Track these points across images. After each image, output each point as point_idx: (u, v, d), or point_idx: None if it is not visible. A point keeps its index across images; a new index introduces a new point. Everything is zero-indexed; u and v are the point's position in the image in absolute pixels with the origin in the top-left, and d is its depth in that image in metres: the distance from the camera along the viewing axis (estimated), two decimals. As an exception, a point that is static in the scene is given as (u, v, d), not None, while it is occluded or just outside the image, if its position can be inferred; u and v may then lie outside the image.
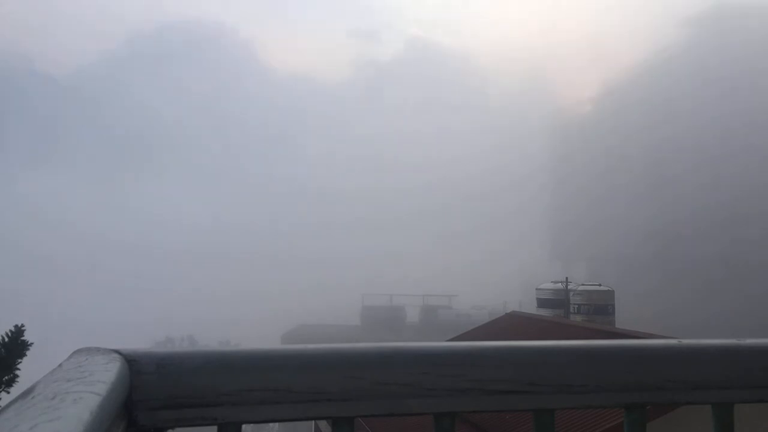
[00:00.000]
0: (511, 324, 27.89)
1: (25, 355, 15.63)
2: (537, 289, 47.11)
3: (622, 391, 1.31)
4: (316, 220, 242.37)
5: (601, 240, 55.89)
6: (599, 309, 38.09)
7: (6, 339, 15.21)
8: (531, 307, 50.16)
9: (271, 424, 27.34)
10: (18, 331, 15.50)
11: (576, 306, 38.57)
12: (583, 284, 43.44)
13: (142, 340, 42.75)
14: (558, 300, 41.03)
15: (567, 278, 48.95)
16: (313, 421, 21.47)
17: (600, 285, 43.54)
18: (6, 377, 15.05)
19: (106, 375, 0.97)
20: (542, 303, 42.49)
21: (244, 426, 1.18)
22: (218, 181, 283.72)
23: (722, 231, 56.83)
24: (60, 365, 0.99)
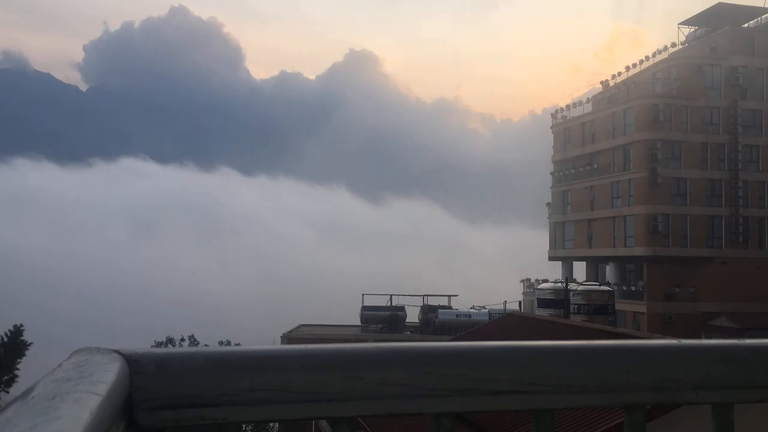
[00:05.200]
0: (511, 324, 27.87)
1: (24, 354, 15.60)
2: (537, 289, 47.19)
3: (622, 391, 1.30)
4: (315, 219, 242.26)
5: (601, 240, 55.82)
6: (599, 309, 38.14)
7: (5, 339, 15.17)
8: (531, 307, 50.24)
9: (271, 424, 27.33)
10: (17, 331, 15.46)
11: (576, 306, 38.62)
12: (583, 284, 43.53)
13: (142, 340, 42.71)
14: (558, 300, 41.07)
15: (567, 278, 49.03)
16: (313, 421, 21.46)
17: (600, 285, 43.63)
18: (5, 377, 15.03)
19: (106, 375, 0.97)
20: (542, 303, 42.53)
21: (243, 425, 1.18)
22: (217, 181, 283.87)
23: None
24: (60, 365, 0.99)
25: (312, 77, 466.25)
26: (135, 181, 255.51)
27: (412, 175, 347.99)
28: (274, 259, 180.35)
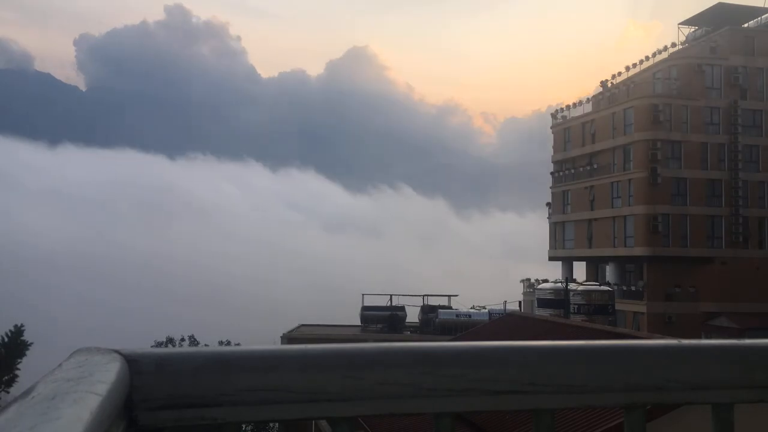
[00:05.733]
0: (511, 324, 27.89)
1: (24, 354, 15.60)
2: (537, 289, 47.21)
3: (622, 391, 1.30)
4: (318, 220, 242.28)
5: (601, 240, 55.82)
6: (599, 309, 38.15)
7: (6, 339, 15.18)
8: (531, 307, 50.24)
9: (271, 424, 27.29)
10: (17, 331, 15.47)
11: (576, 306, 38.63)
12: (583, 284, 43.52)
13: (142, 340, 42.72)
14: (558, 300, 41.09)
15: (567, 278, 49.01)
16: (313, 421, 21.46)
17: (600, 285, 43.63)
18: (6, 377, 15.04)
19: (106, 375, 0.97)
20: (542, 303, 42.56)
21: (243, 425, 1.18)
22: (219, 176, 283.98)
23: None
24: (60, 365, 0.99)
25: (313, 75, 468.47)
26: (137, 176, 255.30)
27: (411, 172, 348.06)
28: (274, 259, 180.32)
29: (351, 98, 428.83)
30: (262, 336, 51.55)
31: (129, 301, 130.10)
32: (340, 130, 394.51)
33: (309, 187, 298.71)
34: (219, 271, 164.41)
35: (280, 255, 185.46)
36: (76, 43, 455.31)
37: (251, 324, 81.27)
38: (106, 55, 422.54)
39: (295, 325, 53.63)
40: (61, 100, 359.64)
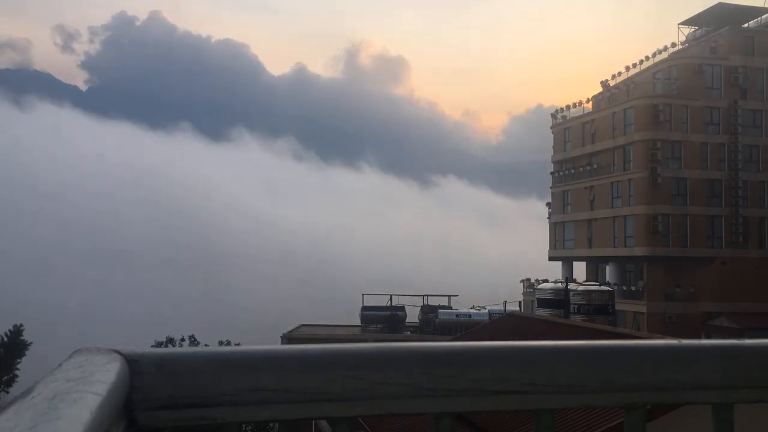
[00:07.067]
0: (511, 324, 27.90)
1: (24, 354, 15.59)
2: (537, 289, 47.19)
3: (622, 391, 1.30)
4: (318, 220, 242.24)
5: (601, 240, 55.81)
6: (599, 309, 38.13)
7: (5, 339, 15.16)
8: (531, 307, 50.26)
9: (271, 424, 27.26)
10: (17, 331, 15.46)
11: (576, 306, 38.61)
12: (583, 284, 43.50)
13: (142, 340, 42.69)
14: (558, 300, 41.06)
15: (567, 278, 49.00)
16: (313, 421, 21.47)
17: (600, 285, 43.62)
18: (5, 377, 15.02)
19: (106, 375, 0.97)
20: (542, 303, 42.52)
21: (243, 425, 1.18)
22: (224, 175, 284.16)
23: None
24: (60, 365, 0.99)
25: (316, 72, 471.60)
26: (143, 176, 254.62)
27: (417, 170, 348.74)
28: (274, 259, 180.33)
29: (353, 94, 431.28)
30: (262, 336, 51.54)
31: (129, 301, 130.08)
32: (340, 126, 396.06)
33: (316, 184, 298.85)
34: (218, 270, 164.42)
35: (281, 254, 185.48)
36: (84, 48, 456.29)
37: (251, 324, 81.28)
38: (105, 54, 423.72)
39: (295, 325, 53.64)
40: (61, 100, 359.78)
